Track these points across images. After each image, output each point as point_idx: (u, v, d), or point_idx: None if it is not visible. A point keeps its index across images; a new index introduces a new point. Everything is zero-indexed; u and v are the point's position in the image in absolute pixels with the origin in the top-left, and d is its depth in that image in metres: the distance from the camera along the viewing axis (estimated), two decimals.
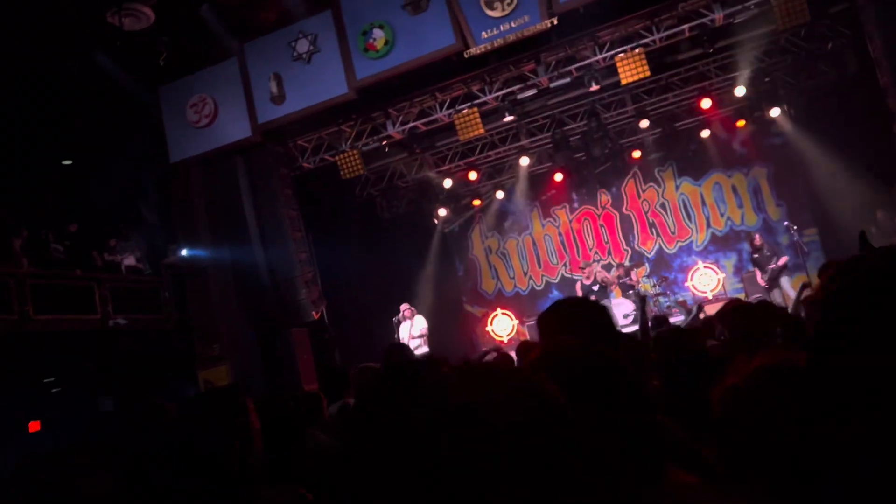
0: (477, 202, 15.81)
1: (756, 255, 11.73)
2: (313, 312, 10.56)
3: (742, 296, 11.83)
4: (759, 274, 11.74)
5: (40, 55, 9.38)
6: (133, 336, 10.72)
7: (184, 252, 11.02)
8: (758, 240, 11.81)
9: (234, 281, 10.82)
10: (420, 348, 10.83)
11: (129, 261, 11.37)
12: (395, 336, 10.95)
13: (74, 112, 10.55)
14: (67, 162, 12.28)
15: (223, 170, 10.97)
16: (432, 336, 11.28)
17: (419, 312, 11.62)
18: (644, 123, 12.89)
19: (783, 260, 11.48)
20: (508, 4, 9.25)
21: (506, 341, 14.72)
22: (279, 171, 10.99)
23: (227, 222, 10.93)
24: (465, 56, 9.63)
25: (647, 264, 14.49)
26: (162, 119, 11.01)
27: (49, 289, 9.87)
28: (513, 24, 9.30)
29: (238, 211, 10.80)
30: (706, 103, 12.26)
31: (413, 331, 11.17)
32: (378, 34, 9.88)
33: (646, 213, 14.86)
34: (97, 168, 11.63)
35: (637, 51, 9.82)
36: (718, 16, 9.70)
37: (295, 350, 10.41)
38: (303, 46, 10.25)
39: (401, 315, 11.17)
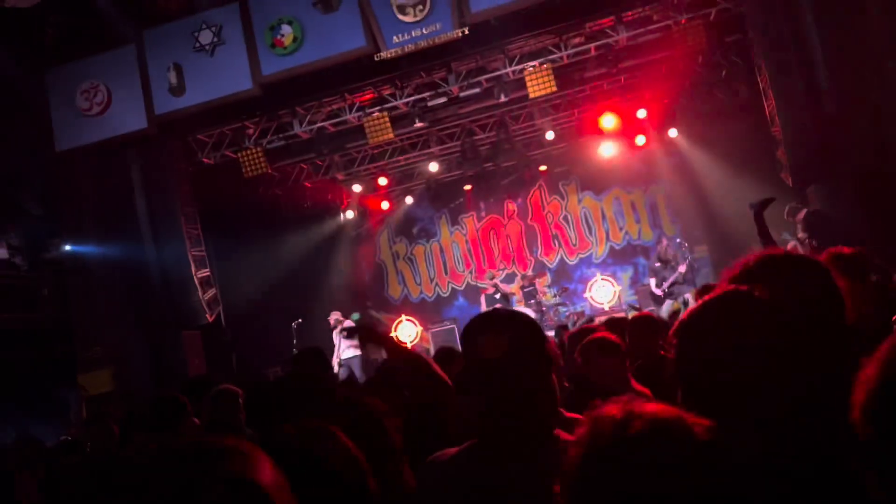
0: (385, 206, 15.70)
1: (658, 264, 11.86)
2: (207, 315, 10.13)
3: (635, 308, 12.24)
4: (653, 283, 11.87)
5: None
6: (5, 335, 9.92)
7: (67, 247, 10.32)
8: (664, 243, 12.06)
9: (123, 280, 10.23)
10: (352, 349, 10.67)
11: (2, 253, 10.52)
12: (294, 342, 10.70)
13: None
14: None
15: (115, 162, 10.38)
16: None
17: (320, 316, 11.46)
18: (550, 136, 13.19)
19: (683, 266, 11.69)
20: (420, 10, 9.22)
21: (409, 347, 14.67)
22: (176, 166, 10.52)
23: (117, 217, 10.34)
24: (376, 59, 9.53)
25: (549, 274, 14.83)
26: (48, 105, 10.29)
27: None
28: (424, 31, 9.28)
29: (130, 206, 10.24)
30: (609, 121, 12.67)
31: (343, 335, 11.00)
32: (286, 30, 9.62)
33: (549, 224, 15.21)
34: None
35: (545, 66, 10.03)
36: (622, 37, 10.05)
37: (186, 355, 9.95)
38: (206, 38, 9.84)
39: (331, 324, 11.05)
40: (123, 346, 10.08)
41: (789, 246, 10.65)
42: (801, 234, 10.50)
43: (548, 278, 14.69)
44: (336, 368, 10.41)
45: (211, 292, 10.53)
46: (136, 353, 10.20)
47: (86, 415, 9.47)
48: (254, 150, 10.76)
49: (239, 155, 10.82)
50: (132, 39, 10.07)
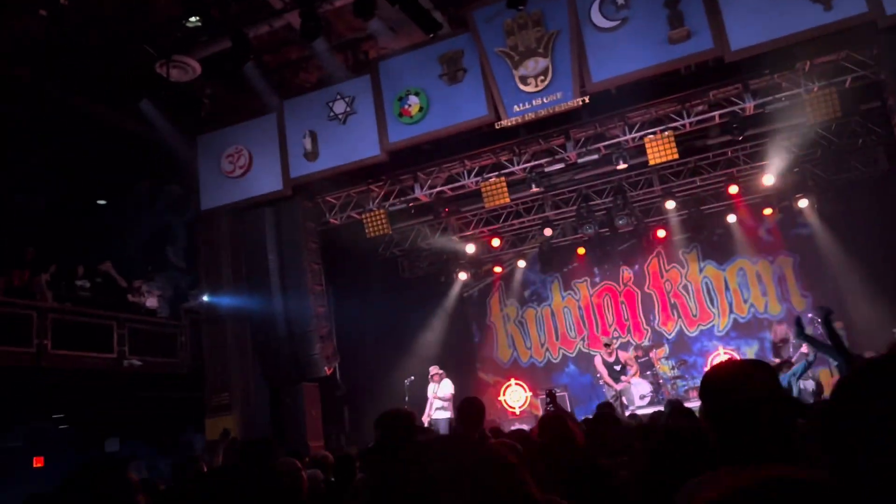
0: (498, 269, 15.84)
1: (780, 345, 11.36)
2: (325, 368, 10.51)
3: None
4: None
5: (88, 100, 9.77)
6: (146, 378, 10.74)
7: (205, 298, 11.14)
8: (780, 328, 11.50)
9: (251, 330, 10.86)
10: (442, 411, 10.74)
11: (152, 302, 11.50)
12: (406, 399, 10.85)
13: (113, 154, 10.90)
14: (102, 202, 12.60)
15: (251, 220, 11.18)
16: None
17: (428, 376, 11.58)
18: (670, 204, 12.94)
19: (805, 347, 11.00)
20: (542, 80, 9.48)
21: (517, 413, 14.46)
22: (306, 225, 11.17)
23: (250, 271, 11.07)
24: (497, 127, 9.84)
25: (666, 345, 14.28)
26: (197, 167, 11.32)
27: (69, 325, 9.98)
28: (545, 100, 9.50)
29: (262, 261, 10.93)
30: (733, 189, 12.30)
31: (439, 392, 11.09)
32: (413, 100, 10.15)
33: (668, 293, 14.74)
34: (131, 210, 11.92)
35: (666, 133, 9.95)
36: (749, 105, 9.83)
37: (304, 405, 10.34)
38: (340, 107, 10.56)
39: (430, 376, 11.18)
40: (248, 393, 10.63)
41: None
42: None
43: (665, 349, 14.15)
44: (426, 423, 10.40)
45: (330, 346, 10.95)
46: (259, 401, 10.71)
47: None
48: (377, 212, 11.26)
49: (363, 216, 11.36)
50: (274, 108, 10.97)
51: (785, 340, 11.24)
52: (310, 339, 10.47)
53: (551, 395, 10.56)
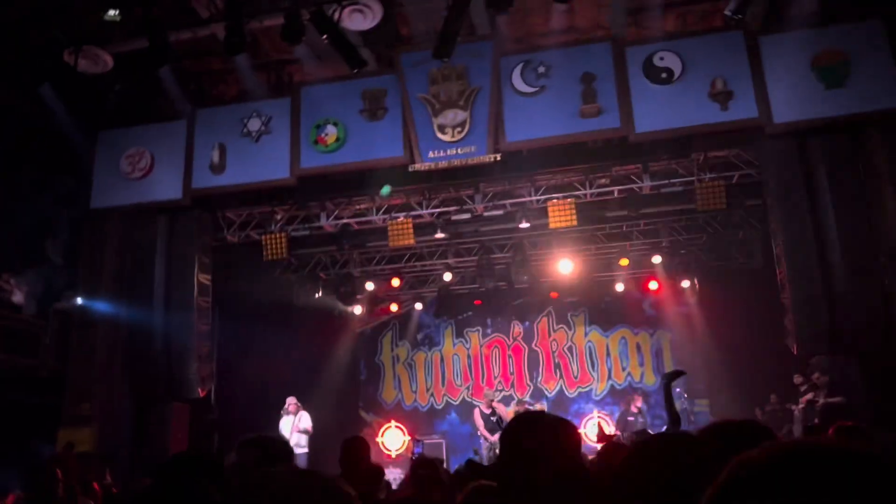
0: (394, 308, 15.84)
1: (630, 419, 11.75)
2: (199, 389, 10.08)
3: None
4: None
5: None
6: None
7: (79, 300, 10.47)
8: (638, 403, 12.01)
9: (125, 340, 10.29)
10: (299, 447, 10.44)
11: (18, 298, 10.69)
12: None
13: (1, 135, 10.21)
14: None
15: (143, 225, 10.70)
16: (317, 437, 10.92)
17: (310, 408, 11.32)
18: (565, 267, 13.45)
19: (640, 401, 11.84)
20: (459, 132, 9.73)
21: (393, 456, 14.34)
22: (202, 238, 10.80)
23: (133, 279, 10.54)
24: (410, 170, 9.97)
25: (545, 403, 14.65)
26: (94, 163, 10.77)
27: None
28: (459, 151, 9.73)
29: (148, 269, 10.45)
30: (624, 262, 12.96)
31: (298, 424, 10.83)
32: (331, 130, 10.14)
33: (553, 352, 15.20)
34: (10, 198, 11.13)
35: (569, 200, 10.41)
36: (647, 185, 10.46)
37: (170, 425, 9.83)
38: (254, 125, 10.39)
39: (286, 407, 10.93)
40: (112, 406, 9.99)
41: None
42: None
43: (544, 407, 14.49)
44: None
45: (208, 367, 10.52)
46: (121, 415, 10.09)
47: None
48: (278, 236, 11.06)
49: (263, 238, 11.13)
50: (185, 115, 10.65)
51: (635, 414, 11.70)
52: (188, 356, 10.02)
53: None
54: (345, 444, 4.60)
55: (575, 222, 10.41)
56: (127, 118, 10.69)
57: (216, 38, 9.15)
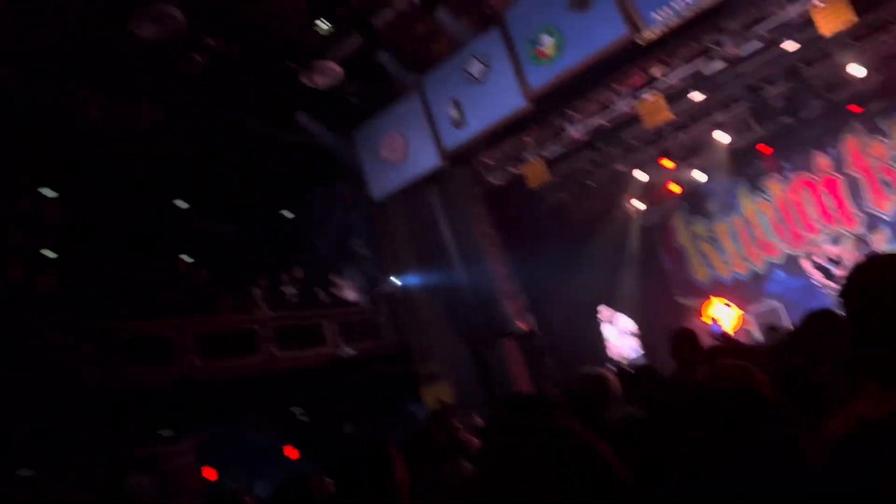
0: (675, 189, 15.00)
1: None
2: (519, 323, 10.72)
3: None
4: None
5: (242, 120, 10.60)
6: (360, 363, 11.67)
7: (394, 280, 11.79)
8: None
9: (443, 302, 11.34)
10: (633, 350, 10.56)
11: (350, 295, 12.42)
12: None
13: (285, 168, 11.81)
14: (288, 214, 13.75)
15: (420, 199, 11.58)
16: (645, 335, 10.92)
17: (627, 311, 11.35)
18: (858, 72, 11.39)
19: None
20: None
21: (731, 333, 13.74)
22: (470, 192, 11.37)
23: (428, 248, 11.52)
24: (642, 45, 9.25)
25: (885, 229, 12.70)
26: (360, 162, 11.90)
27: (287, 329, 11.09)
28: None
29: (437, 236, 11.32)
30: None
31: (622, 327, 10.92)
32: (547, 40, 9.83)
33: (874, 169, 13.07)
34: (312, 215, 12.90)
35: None
36: None
37: (507, 361, 10.65)
38: (476, 68, 10.51)
39: (598, 316, 11.06)
40: (453, 360, 11.15)
41: None
42: None
43: (886, 234, 12.59)
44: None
45: (518, 303, 11.12)
46: (464, 365, 11.21)
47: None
48: (535, 162, 11.14)
49: (521, 169, 11.30)
50: (415, 87, 11.19)
51: None
52: (498, 300, 10.72)
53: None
54: (672, 339, 4.58)
55: (854, 18, 8.73)
56: (370, 110, 11.59)
57: (413, 4, 9.41)
